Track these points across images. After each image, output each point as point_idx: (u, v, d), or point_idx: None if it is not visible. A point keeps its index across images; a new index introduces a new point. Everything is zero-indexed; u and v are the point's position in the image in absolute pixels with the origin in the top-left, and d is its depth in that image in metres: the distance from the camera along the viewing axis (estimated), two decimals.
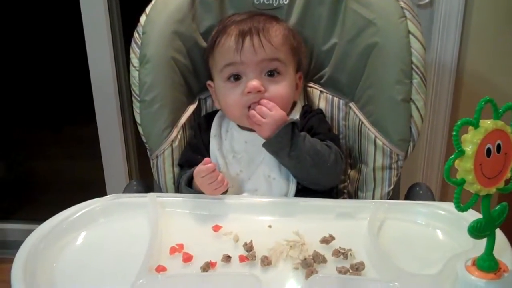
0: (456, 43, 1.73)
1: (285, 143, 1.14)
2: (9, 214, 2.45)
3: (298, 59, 1.26)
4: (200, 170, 1.13)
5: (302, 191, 1.19)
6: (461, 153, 0.77)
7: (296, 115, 1.26)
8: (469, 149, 0.77)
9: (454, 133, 0.76)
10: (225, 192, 1.16)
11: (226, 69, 1.21)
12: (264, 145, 1.17)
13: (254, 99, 1.18)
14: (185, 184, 1.20)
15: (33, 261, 0.93)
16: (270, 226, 1.06)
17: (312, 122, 1.25)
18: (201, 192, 1.15)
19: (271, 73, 1.20)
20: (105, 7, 1.84)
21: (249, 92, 1.18)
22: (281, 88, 1.20)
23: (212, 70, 1.27)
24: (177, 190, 1.29)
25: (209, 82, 1.30)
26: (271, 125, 1.14)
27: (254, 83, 1.17)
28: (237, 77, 1.21)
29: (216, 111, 1.33)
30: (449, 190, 1.92)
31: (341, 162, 1.22)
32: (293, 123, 1.15)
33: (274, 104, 1.16)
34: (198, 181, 1.15)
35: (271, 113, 1.14)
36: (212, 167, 1.12)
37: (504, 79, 1.76)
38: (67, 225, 1.04)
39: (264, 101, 1.16)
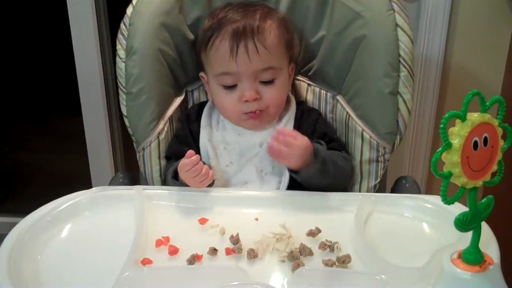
0: (442, 38, 1.73)
1: (312, 173, 1.13)
2: None
3: (291, 52, 1.25)
4: (184, 164, 1.12)
5: (294, 187, 1.18)
6: (448, 146, 0.77)
7: (291, 114, 1.26)
8: (456, 142, 0.77)
9: (441, 125, 0.76)
10: (211, 184, 1.16)
11: (222, 77, 1.20)
12: (290, 172, 1.16)
13: (251, 107, 1.19)
14: (172, 177, 1.19)
15: (18, 253, 0.92)
16: (256, 219, 1.06)
17: (322, 127, 1.26)
18: (187, 185, 1.15)
19: (266, 80, 1.19)
20: None
21: (246, 101, 1.18)
22: (275, 93, 1.20)
23: (205, 66, 1.26)
24: (164, 182, 1.28)
25: (201, 74, 1.29)
26: (299, 156, 1.10)
27: (251, 93, 1.17)
28: (231, 86, 1.20)
29: (204, 102, 1.32)
30: (434, 183, 1.93)
31: (350, 170, 1.26)
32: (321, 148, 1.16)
33: (296, 132, 1.11)
34: (182, 175, 1.14)
35: (297, 143, 1.09)
36: (196, 159, 1.11)
37: (490, 74, 1.77)
38: (52, 218, 1.04)
39: (286, 131, 1.11)
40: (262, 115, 1.21)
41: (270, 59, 1.18)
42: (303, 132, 1.17)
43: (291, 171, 1.16)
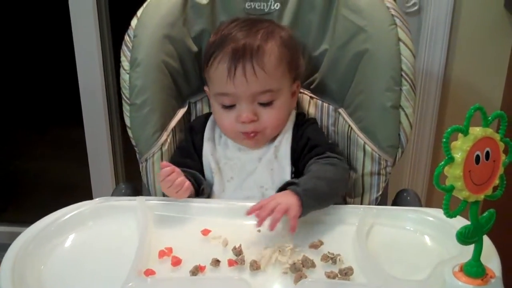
0: (443, 51, 1.74)
1: (312, 206, 1.09)
2: None
3: (295, 71, 1.24)
4: (157, 175, 1.12)
5: None
6: (451, 160, 0.78)
7: (290, 126, 1.25)
8: (458, 156, 0.78)
9: (444, 140, 0.77)
10: (205, 195, 1.18)
11: (220, 97, 1.20)
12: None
13: (247, 128, 1.19)
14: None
15: (21, 263, 0.93)
16: (259, 231, 1.06)
17: (308, 133, 1.24)
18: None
19: (264, 102, 1.19)
20: (94, 8, 1.83)
21: (242, 122, 1.18)
22: (273, 115, 1.20)
23: (207, 82, 1.26)
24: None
25: (206, 88, 1.29)
26: (293, 206, 1.04)
27: (248, 114, 1.17)
28: (230, 105, 1.20)
29: (209, 113, 1.32)
30: (434, 196, 1.93)
31: (347, 169, 1.24)
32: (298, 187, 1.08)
33: (275, 201, 1.04)
34: (161, 187, 1.14)
35: (280, 207, 1.02)
36: (168, 171, 1.10)
37: (490, 87, 1.78)
38: (56, 228, 1.04)
39: (255, 208, 1.05)
40: (258, 136, 1.21)
41: (268, 82, 1.17)
42: (296, 141, 1.20)
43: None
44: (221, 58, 1.17)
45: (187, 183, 1.14)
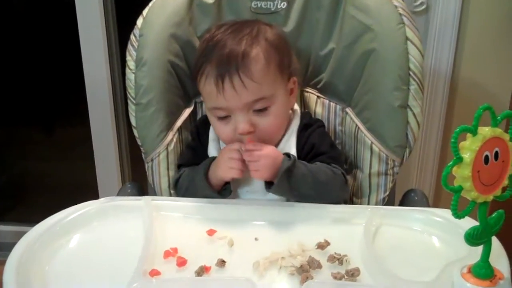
0: (451, 50, 1.73)
1: (285, 189, 1.12)
2: (0, 216, 2.43)
3: (288, 70, 1.21)
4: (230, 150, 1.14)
5: None
6: (459, 160, 0.77)
7: (294, 128, 1.23)
8: (467, 156, 0.77)
9: (452, 140, 0.76)
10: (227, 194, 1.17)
11: (214, 111, 1.18)
12: (267, 190, 1.14)
13: (245, 139, 1.15)
14: (204, 173, 1.18)
15: (26, 263, 0.92)
16: (265, 231, 1.05)
17: (313, 139, 1.21)
18: (211, 187, 1.17)
19: (260, 109, 1.16)
20: (101, 8, 1.83)
21: (240, 134, 1.15)
22: (271, 121, 1.16)
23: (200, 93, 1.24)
24: (174, 188, 1.28)
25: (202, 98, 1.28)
26: (268, 167, 1.10)
27: (244, 126, 1.14)
28: (226, 116, 1.17)
29: None
30: (442, 196, 1.93)
31: (346, 186, 1.21)
32: (291, 161, 1.12)
33: (261, 145, 1.12)
34: (221, 162, 1.15)
35: (263, 153, 1.10)
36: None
37: (498, 87, 1.77)
38: (61, 228, 1.04)
39: (249, 145, 1.12)
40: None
41: (259, 90, 1.13)
42: (301, 146, 1.19)
43: (266, 186, 1.13)
44: (208, 72, 1.14)
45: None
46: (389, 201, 1.28)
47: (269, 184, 1.13)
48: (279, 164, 1.11)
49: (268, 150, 1.12)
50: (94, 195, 2.11)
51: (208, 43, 1.18)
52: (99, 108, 1.97)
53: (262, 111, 1.15)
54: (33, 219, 1.07)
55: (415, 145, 1.25)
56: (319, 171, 1.15)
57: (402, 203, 1.29)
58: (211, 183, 1.17)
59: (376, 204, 1.26)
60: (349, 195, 1.29)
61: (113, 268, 0.95)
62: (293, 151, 1.20)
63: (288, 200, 1.17)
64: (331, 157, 1.20)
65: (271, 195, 1.17)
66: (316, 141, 1.21)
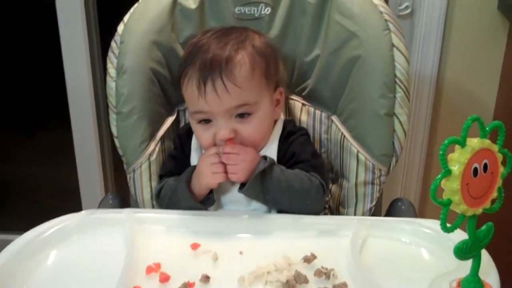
0: (436, 54, 1.73)
1: (257, 192, 1.11)
2: None
3: (274, 79, 1.19)
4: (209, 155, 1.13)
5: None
6: (448, 172, 0.76)
7: (276, 135, 1.20)
8: (456, 168, 0.76)
9: (441, 152, 0.75)
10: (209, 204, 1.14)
11: (196, 115, 1.15)
12: (240, 192, 1.13)
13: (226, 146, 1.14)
14: (186, 181, 1.16)
15: (2, 282, 0.89)
16: (250, 244, 1.03)
17: (294, 148, 1.19)
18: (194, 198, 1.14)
19: (241, 115, 1.13)
20: (82, 13, 1.81)
21: (220, 140, 1.13)
22: (253, 128, 1.14)
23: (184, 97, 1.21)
24: (157, 199, 1.25)
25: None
26: (246, 170, 1.10)
27: (225, 132, 1.12)
28: (207, 120, 1.15)
29: None
30: (427, 205, 1.92)
31: (323, 195, 1.18)
32: (266, 163, 1.11)
33: (239, 147, 1.12)
34: (202, 167, 1.13)
35: (241, 156, 1.10)
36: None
37: (483, 92, 1.76)
38: (39, 243, 1.00)
39: (227, 148, 1.11)
40: None
41: (243, 96, 1.11)
42: (282, 154, 1.17)
43: (240, 187, 1.13)
44: (191, 75, 1.12)
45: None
46: (375, 211, 1.26)
47: (243, 186, 1.11)
48: (256, 166, 1.10)
49: (246, 152, 1.11)
50: (77, 201, 2.09)
51: (193, 46, 1.16)
52: (81, 115, 1.95)
53: (244, 117, 1.13)
54: (13, 227, 1.04)
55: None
56: (296, 178, 1.13)
57: (388, 213, 1.27)
58: (193, 192, 1.15)
59: (363, 214, 1.24)
60: (323, 207, 1.27)
61: (93, 285, 0.93)
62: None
63: (269, 211, 1.15)
64: (311, 166, 1.18)
65: (254, 205, 1.15)
66: (297, 150, 1.19)
